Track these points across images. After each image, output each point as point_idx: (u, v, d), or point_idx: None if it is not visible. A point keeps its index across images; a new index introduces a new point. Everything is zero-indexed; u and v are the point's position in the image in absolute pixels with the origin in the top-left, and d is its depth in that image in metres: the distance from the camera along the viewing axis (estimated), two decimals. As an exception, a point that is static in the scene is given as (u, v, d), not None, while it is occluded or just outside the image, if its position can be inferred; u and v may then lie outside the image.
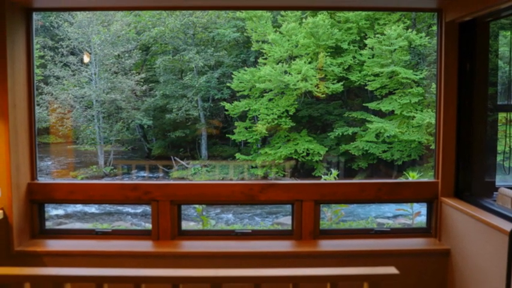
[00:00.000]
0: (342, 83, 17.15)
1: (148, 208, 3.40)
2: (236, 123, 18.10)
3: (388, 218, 11.60)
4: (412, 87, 16.51)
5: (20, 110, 3.22)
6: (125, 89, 17.87)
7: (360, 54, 17.34)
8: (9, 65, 3.06)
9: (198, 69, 18.47)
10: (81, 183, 3.38)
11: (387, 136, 16.18)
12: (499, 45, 3.38)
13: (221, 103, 18.27)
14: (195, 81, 18.27)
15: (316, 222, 3.40)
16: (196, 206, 6.32)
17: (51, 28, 18.52)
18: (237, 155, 17.64)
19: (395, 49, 16.48)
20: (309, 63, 17.18)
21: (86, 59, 17.84)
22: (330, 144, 17.24)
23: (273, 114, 17.23)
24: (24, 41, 3.27)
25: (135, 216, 13.21)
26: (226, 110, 17.97)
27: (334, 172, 7.82)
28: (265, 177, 16.84)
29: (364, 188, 3.43)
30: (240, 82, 17.57)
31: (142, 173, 18.21)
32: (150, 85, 18.85)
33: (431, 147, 15.47)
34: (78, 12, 17.14)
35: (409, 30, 16.74)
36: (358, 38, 17.68)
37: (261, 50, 18.04)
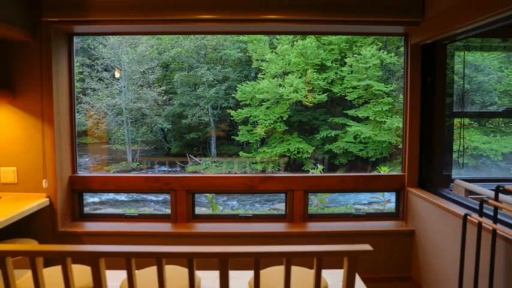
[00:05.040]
0: (326, 94, 17.12)
1: (168, 196, 3.40)
2: (240, 127, 18.06)
3: (364, 204, 11.57)
4: (383, 98, 16.49)
5: (63, 116, 3.22)
6: (149, 99, 17.84)
7: (341, 71, 17.30)
8: (54, 80, 3.07)
9: (208, 82, 18.44)
10: (113, 176, 3.37)
11: (363, 137, 16.16)
12: (455, 63, 3.38)
13: (227, 110, 18.24)
14: (206, 92, 18.25)
15: (305, 208, 3.41)
16: (207, 194, 6.33)
17: (89, 49, 18.48)
18: (241, 153, 17.61)
19: (369, 66, 16.46)
20: (299, 78, 17.16)
21: (117, 75, 17.82)
22: (316, 144, 17.21)
23: (269, 119, 17.20)
24: (66, 60, 3.27)
25: (157, 203, 13.19)
26: (232, 116, 17.93)
27: (320, 167, 7.84)
28: (263, 171, 16.82)
29: (344, 180, 3.44)
30: (243, 93, 17.55)
31: (163, 168, 18.18)
32: (169, 96, 18.81)
33: (399, 147, 15.45)
34: (110, 36, 17.18)
35: (381, 51, 16.72)
36: (339, 57, 17.64)
37: (260, 67, 18.00)
